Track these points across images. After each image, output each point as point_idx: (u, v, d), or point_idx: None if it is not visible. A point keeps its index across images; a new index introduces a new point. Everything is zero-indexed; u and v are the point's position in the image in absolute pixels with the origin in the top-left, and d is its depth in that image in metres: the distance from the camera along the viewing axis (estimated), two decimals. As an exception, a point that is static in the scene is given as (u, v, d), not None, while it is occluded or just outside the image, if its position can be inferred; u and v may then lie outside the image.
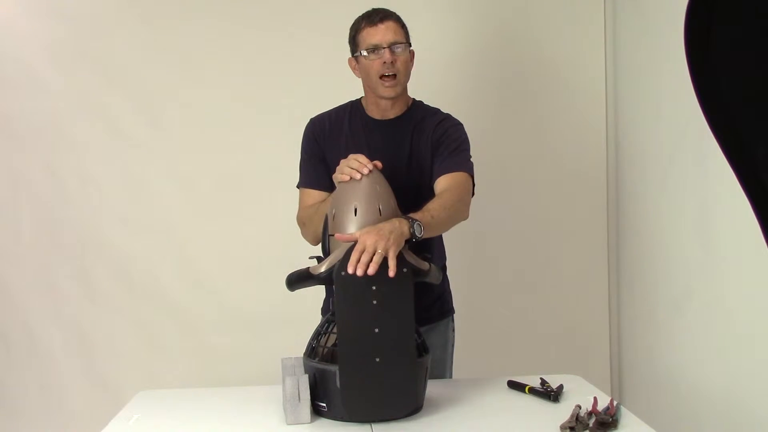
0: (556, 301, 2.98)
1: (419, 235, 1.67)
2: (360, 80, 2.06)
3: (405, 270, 1.60)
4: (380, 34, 1.92)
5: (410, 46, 1.99)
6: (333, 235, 1.69)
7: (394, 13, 1.98)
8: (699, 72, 0.79)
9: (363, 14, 1.99)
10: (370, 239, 1.56)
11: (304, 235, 2.00)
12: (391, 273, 1.55)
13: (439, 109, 2.07)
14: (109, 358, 2.87)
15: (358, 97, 2.08)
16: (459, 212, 1.88)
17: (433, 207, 1.80)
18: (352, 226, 1.65)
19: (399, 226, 1.63)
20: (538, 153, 2.95)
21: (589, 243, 2.98)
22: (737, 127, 0.79)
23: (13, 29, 2.80)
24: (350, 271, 1.54)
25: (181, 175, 2.86)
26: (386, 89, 1.94)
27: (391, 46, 1.92)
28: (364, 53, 1.93)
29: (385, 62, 1.91)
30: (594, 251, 2.98)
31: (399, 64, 1.93)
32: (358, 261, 1.54)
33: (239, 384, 2.16)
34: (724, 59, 0.78)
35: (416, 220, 1.68)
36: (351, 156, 1.73)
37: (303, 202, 2.03)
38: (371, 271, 1.54)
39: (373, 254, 1.55)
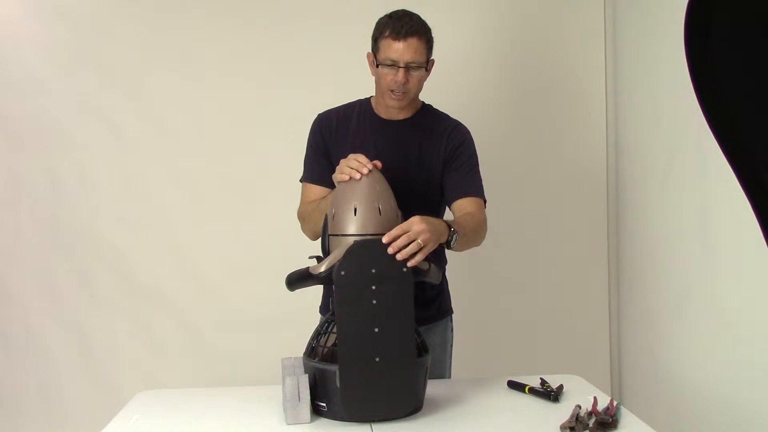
0: (556, 301, 2.98)
1: (452, 246, 1.75)
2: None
3: (405, 269, 1.60)
4: (400, 51, 1.86)
5: (430, 57, 1.94)
6: (333, 235, 1.69)
7: (422, 28, 1.89)
8: (699, 72, 0.79)
9: (392, 16, 1.90)
10: (419, 226, 1.59)
11: (303, 230, 2.00)
12: (412, 263, 1.59)
13: (448, 115, 2.07)
14: (109, 358, 2.87)
15: (368, 96, 2.07)
16: (481, 238, 1.95)
17: (466, 225, 1.84)
18: (351, 226, 1.65)
19: (442, 230, 1.69)
20: (538, 153, 2.96)
21: (589, 243, 2.98)
22: (737, 126, 0.79)
23: (13, 29, 2.80)
24: (385, 241, 1.58)
25: (181, 175, 2.86)
26: (392, 101, 1.93)
27: (407, 65, 1.88)
28: (381, 63, 1.90)
29: (397, 81, 1.88)
30: (594, 251, 2.98)
31: (410, 84, 1.90)
32: (396, 238, 1.58)
33: (239, 384, 2.16)
34: (724, 59, 0.78)
35: (457, 233, 1.74)
36: (351, 156, 1.73)
37: (305, 196, 2.03)
38: (401, 256, 1.58)
39: (411, 241, 1.58)
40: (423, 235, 1.59)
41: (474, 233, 1.88)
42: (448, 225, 1.74)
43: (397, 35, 1.86)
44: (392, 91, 1.91)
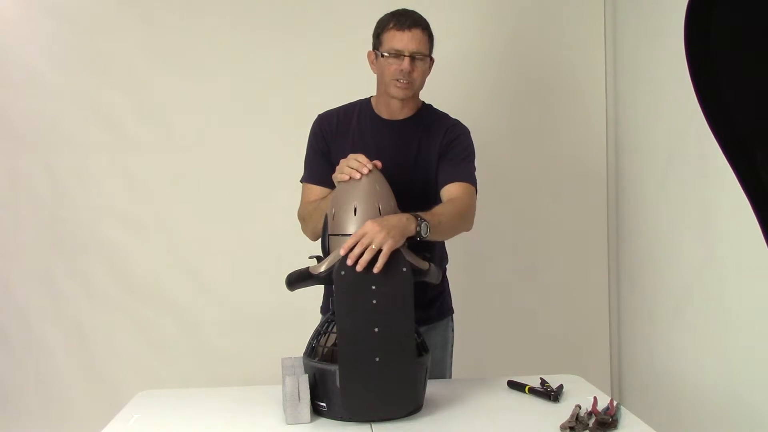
0: (556, 301, 2.98)
1: (424, 235, 1.69)
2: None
3: (405, 270, 1.60)
4: (405, 40, 1.89)
5: (432, 52, 1.96)
6: (333, 235, 1.69)
7: (424, 21, 1.94)
8: (699, 72, 0.80)
9: (394, 13, 1.94)
10: (371, 230, 1.58)
11: (304, 230, 2.00)
12: (376, 269, 1.57)
13: (448, 114, 2.08)
14: (109, 358, 2.87)
15: (368, 96, 2.07)
16: (466, 222, 1.91)
17: (442, 212, 1.81)
18: (351, 226, 1.65)
19: (405, 223, 1.65)
20: (538, 153, 2.96)
21: (589, 243, 2.98)
22: (737, 127, 0.79)
23: (13, 29, 2.80)
24: (341, 253, 1.58)
25: (182, 175, 2.86)
26: (397, 90, 1.94)
27: (412, 55, 1.90)
28: (385, 54, 1.92)
29: (402, 69, 1.90)
30: (594, 251, 2.98)
31: (415, 74, 1.92)
32: (353, 248, 1.58)
33: (239, 384, 2.16)
34: (724, 59, 0.78)
35: (425, 220, 1.69)
36: (350, 155, 1.73)
37: (305, 197, 2.03)
38: (359, 267, 1.57)
39: (368, 246, 1.57)
40: (377, 238, 1.57)
41: (456, 218, 1.85)
42: (415, 216, 1.69)
43: (402, 26, 1.90)
44: (397, 80, 1.92)
